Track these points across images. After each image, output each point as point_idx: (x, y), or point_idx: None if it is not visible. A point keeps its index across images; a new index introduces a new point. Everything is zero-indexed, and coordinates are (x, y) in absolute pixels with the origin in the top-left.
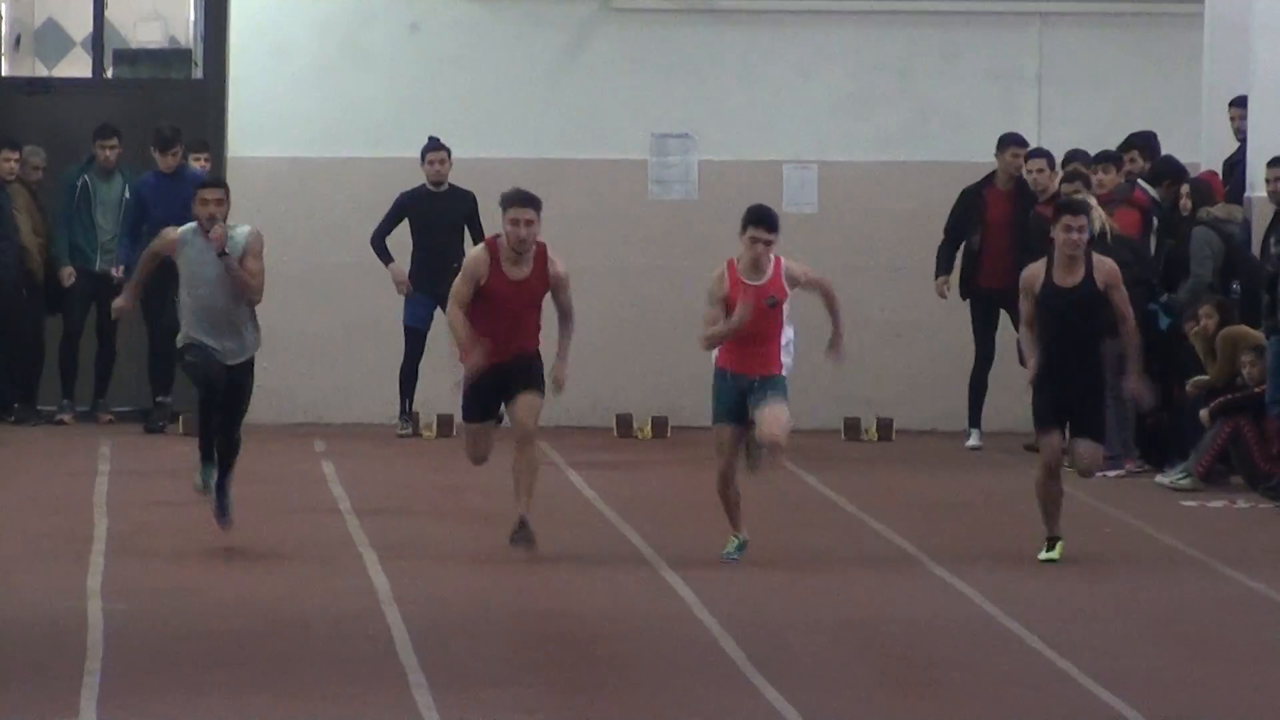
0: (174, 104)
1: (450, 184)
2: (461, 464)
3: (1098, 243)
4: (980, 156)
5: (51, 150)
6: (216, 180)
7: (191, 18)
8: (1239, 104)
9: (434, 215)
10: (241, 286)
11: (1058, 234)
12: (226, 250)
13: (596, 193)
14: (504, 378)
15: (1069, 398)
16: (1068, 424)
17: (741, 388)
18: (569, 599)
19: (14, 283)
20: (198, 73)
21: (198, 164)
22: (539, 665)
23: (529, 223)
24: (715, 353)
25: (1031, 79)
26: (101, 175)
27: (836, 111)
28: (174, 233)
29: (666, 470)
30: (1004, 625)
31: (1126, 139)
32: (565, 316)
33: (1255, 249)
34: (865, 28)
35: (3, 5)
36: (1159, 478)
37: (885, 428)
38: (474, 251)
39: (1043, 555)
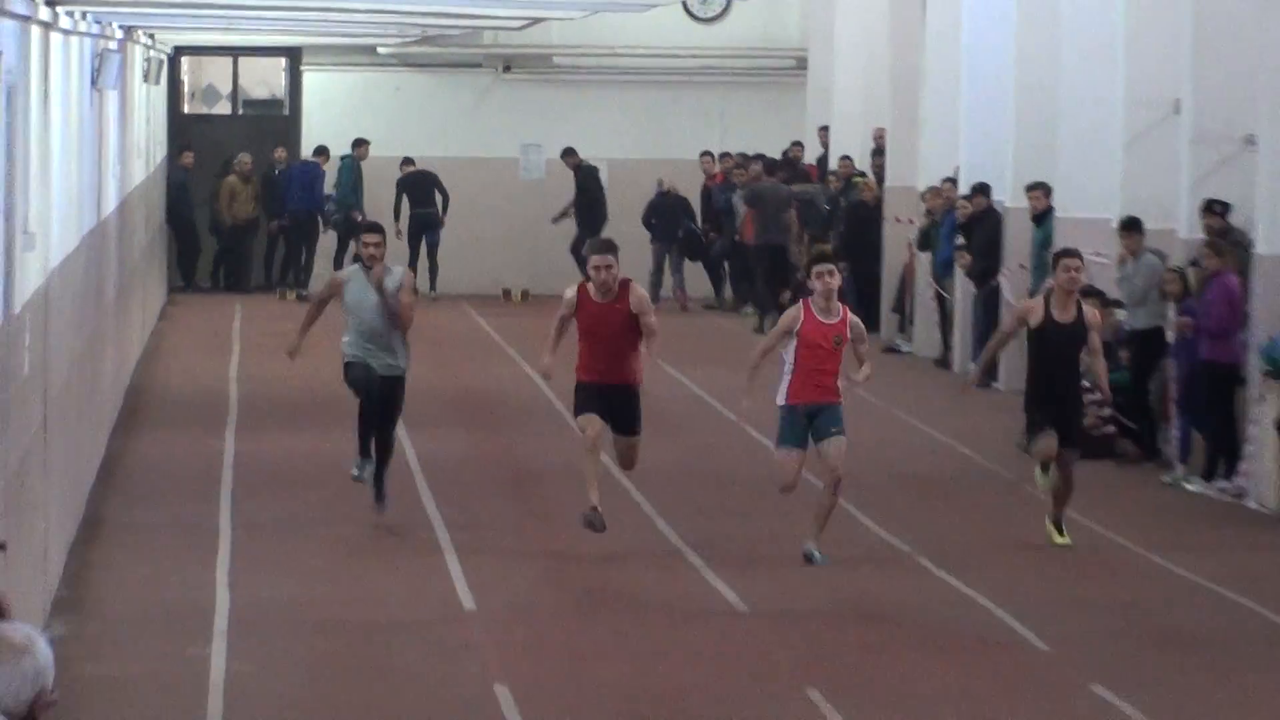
0: (274, 129)
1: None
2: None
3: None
4: (686, 156)
5: (207, 153)
6: (376, 225)
7: (284, 83)
8: (824, 129)
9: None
10: (393, 316)
11: (1058, 274)
12: (385, 286)
13: (489, 176)
14: (609, 402)
15: (1057, 414)
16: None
17: (809, 413)
18: (485, 383)
19: (192, 221)
20: (285, 111)
21: (280, 155)
22: (465, 418)
23: (608, 267)
24: (783, 392)
25: (718, 116)
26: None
27: (616, 131)
28: (341, 274)
29: (530, 317)
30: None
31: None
32: (649, 334)
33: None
34: (631, 88)
35: (186, 77)
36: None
37: None
38: (567, 293)
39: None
